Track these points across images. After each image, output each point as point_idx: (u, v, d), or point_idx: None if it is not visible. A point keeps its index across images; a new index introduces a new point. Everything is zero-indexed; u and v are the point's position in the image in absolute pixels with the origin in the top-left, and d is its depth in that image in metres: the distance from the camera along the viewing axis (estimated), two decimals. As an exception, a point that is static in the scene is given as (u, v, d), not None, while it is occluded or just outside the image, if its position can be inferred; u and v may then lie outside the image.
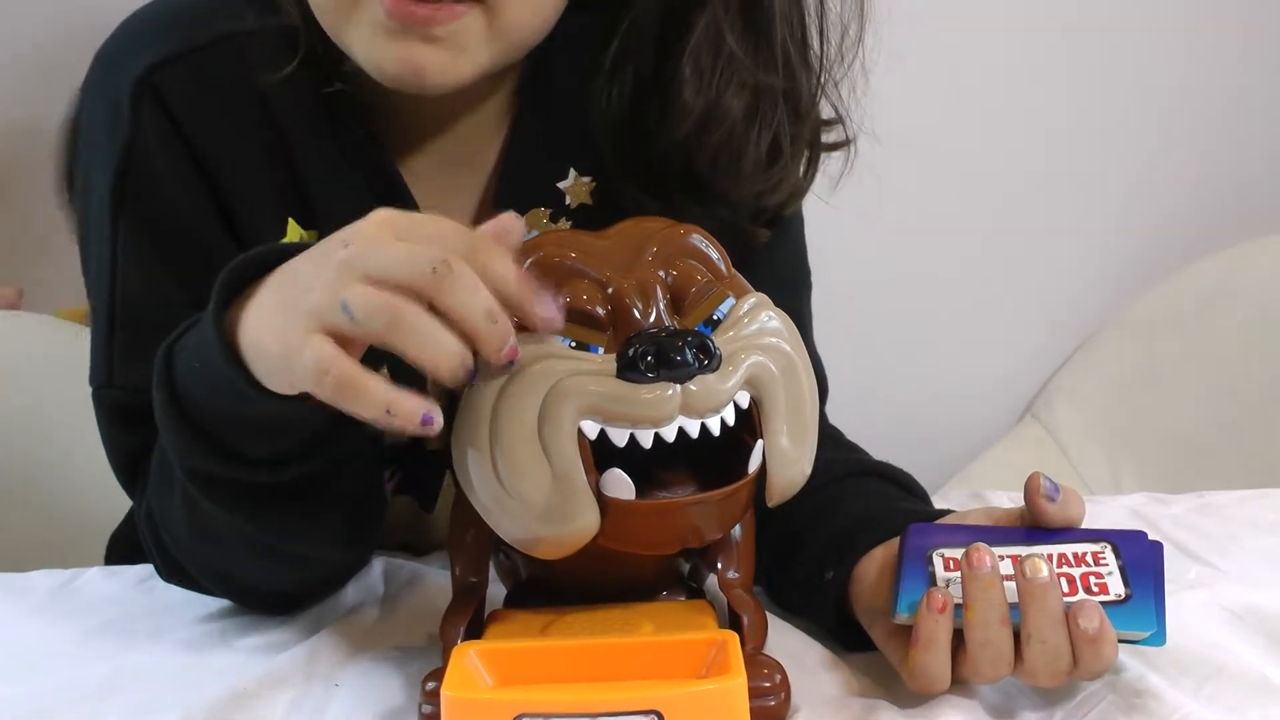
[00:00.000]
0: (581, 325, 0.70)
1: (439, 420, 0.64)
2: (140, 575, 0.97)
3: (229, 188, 0.89)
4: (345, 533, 0.85)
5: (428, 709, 0.72)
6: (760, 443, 0.71)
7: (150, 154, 0.88)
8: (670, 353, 0.67)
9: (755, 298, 0.74)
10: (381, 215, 0.66)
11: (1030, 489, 0.77)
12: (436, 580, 0.94)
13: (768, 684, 0.73)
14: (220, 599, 0.91)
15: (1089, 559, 0.75)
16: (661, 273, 0.72)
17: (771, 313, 0.73)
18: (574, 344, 0.69)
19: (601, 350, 0.69)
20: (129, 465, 0.91)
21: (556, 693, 0.67)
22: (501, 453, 0.67)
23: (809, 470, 0.74)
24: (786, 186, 0.94)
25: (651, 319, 0.70)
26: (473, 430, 0.68)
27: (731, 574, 0.78)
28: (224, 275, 0.71)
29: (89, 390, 0.91)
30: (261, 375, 0.69)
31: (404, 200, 0.91)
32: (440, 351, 0.63)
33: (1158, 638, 0.72)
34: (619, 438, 0.68)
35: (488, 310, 0.63)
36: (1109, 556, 0.75)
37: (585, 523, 0.68)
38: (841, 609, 0.82)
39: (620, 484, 0.68)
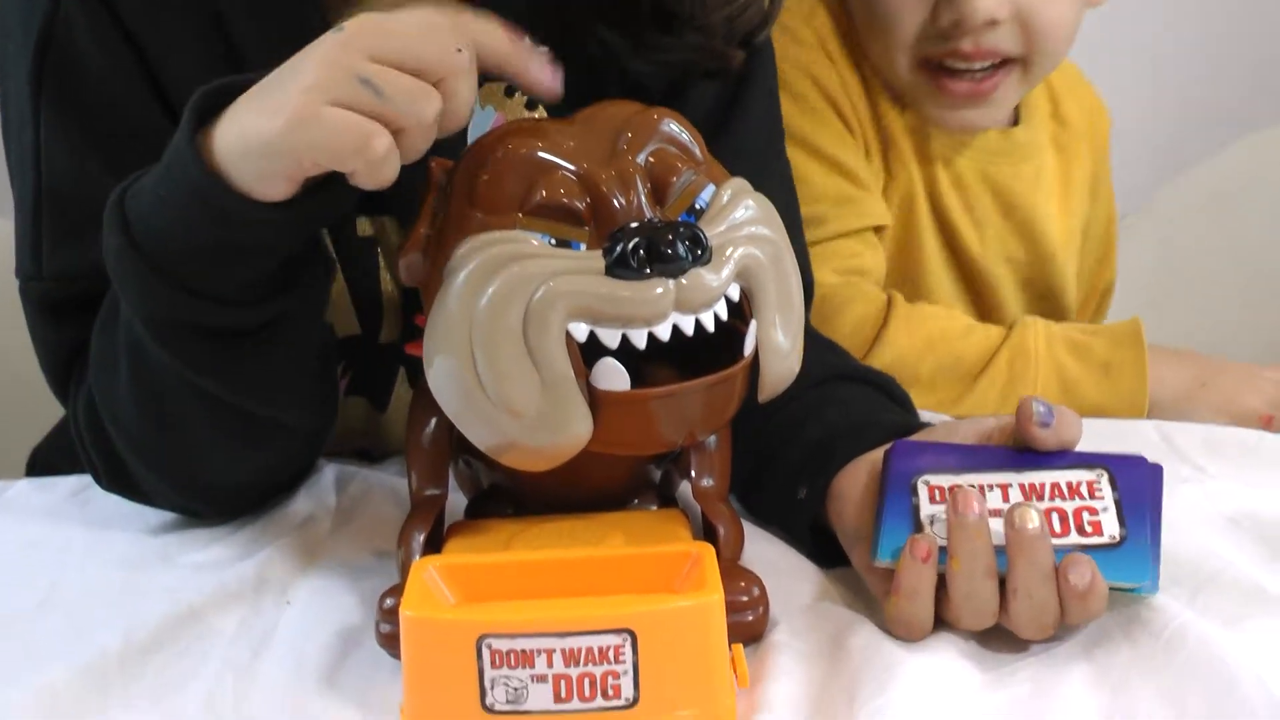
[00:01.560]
0: (560, 221, 0.65)
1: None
2: (74, 487, 0.93)
3: (160, 62, 0.84)
4: (306, 390, 0.81)
5: (385, 628, 0.69)
6: (753, 325, 0.67)
7: (72, 28, 0.82)
8: (662, 246, 0.63)
9: (735, 183, 0.70)
10: (361, 17, 0.66)
11: (1022, 415, 0.73)
12: (393, 489, 0.90)
13: (745, 598, 0.70)
14: (162, 511, 0.87)
15: (1083, 490, 0.71)
16: (639, 160, 0.67)
17: (752, 200, 0.69)
18: (554, 241, 0.65)
19: (584, 246, 0.65)
20: (62, 364, 0.87)
21: (522, 611, 0.63)
22: (485, 359, 0.63)
23: (799, 364, 0.70)
24: (755, 9, 0.90)
25: (633, 211, 0.65)
26: (450, 333, 0.64)
27: (706, 482, 0.75)
28: (197, 97, 0.69)
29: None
30: (250, 178, 0.66)
31: None
32: (431, 138, 0.65)
33: (1151, 587, 0.68)
34: (610, 339, 0.64)
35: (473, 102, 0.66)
36: (1104, 487, 0.71)
37: (578, 430, 0.64)
38: (818, 527, 0.79)
39: (614, 374, 0.64)
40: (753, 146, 0.94)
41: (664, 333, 0.64)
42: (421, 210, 0.69)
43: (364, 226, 0.89)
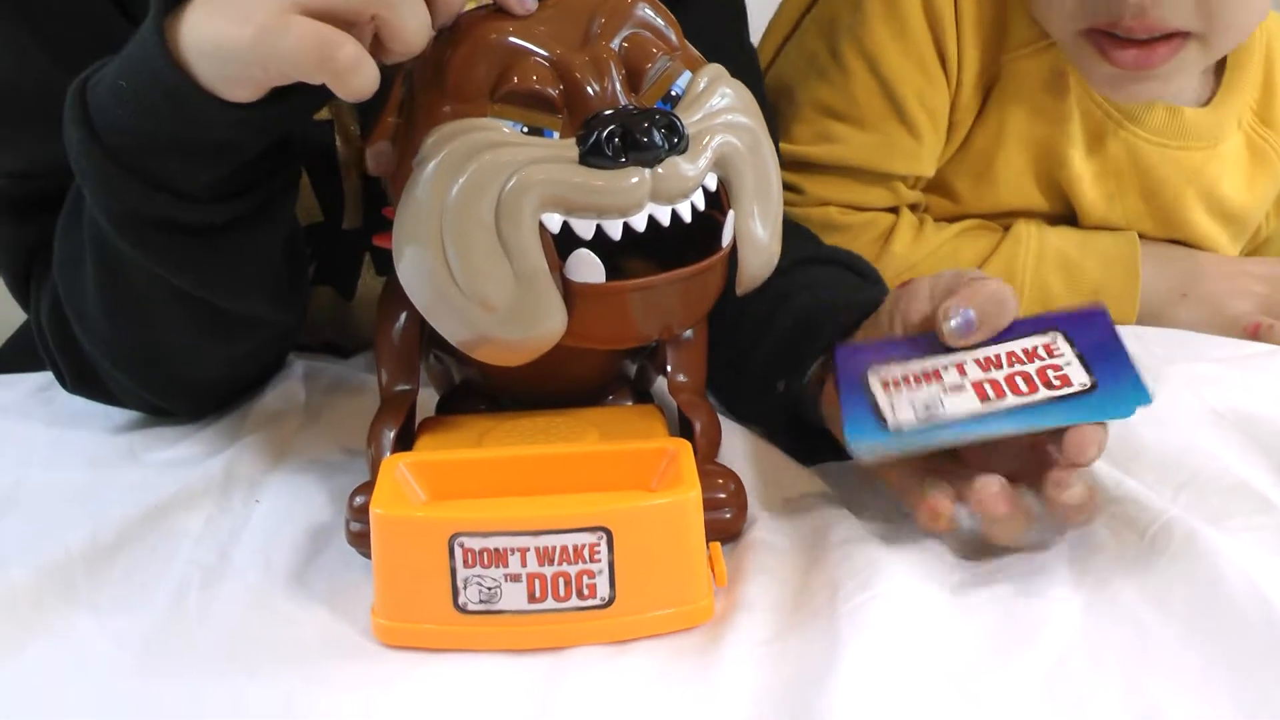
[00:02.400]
0: (532, 108, 0.63)
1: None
2: (39, 383, 0.91)
3: None
4: (274, 285, 0.79)
5: (356, 526, 0.68)
6: (731, 215, 0.65)
7: None
8: (637, 134, 0.61)
9: (712, 70, 0.67)
10: None
11: (941, 331, 0.69)
12: (362, 385, 0.88)
13: (722, 495, 0.69)
14: (128, 410, 0.85)
15: (1041, 352, 0.68)
16: (614, 46, 0.65)
17: (729, 86, 0.67)
18: (526, 129, 0.63)
19: (557, 135, 0.63)
20: (22, 264, 0.85)
21: (495, 508, 0.62)
22: (456, 251, 0.61)
23: (778, 255, 0.68)
24: None
25: (608, 98, 0.63)
26: (420, 225, 0.62)
27: (681, 377, 0.73)
28: None
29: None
30: (215, 80, 0.64)
31: None
32: (419, 23, 0.62)
33: (1145, 399, 0.65)
34: (584, 229, 0.62)
35: None
36: (1061, 345, 0.68)
37: (552, 324, 0.63)
38: (799, 420, 0.77)
39: (589, 266, 0.62)
40: (709, 34, 0.92)
41: (639, 223, 0.62)
42: (389, 97, 0.66)
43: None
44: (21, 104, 0.79)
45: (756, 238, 0.66)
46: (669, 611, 0.61)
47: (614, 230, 0.62)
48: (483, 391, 0.76)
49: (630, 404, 0.76)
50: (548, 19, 0.65)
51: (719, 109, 0.65)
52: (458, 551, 0.60)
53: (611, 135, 0.61)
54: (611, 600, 0.60)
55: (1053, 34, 1.00)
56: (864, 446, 0.66)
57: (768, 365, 0.79)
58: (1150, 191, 1.07)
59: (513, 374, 0.67)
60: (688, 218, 0.63)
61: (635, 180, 0.61)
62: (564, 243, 0.62)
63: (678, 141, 0.62)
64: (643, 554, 0.60)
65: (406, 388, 0.73)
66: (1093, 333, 0.69)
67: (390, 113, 0.66)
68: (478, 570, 0.60)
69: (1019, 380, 0.67)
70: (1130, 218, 1.08)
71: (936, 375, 0.68)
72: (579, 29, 0.65)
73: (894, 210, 1.07)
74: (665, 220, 0.62)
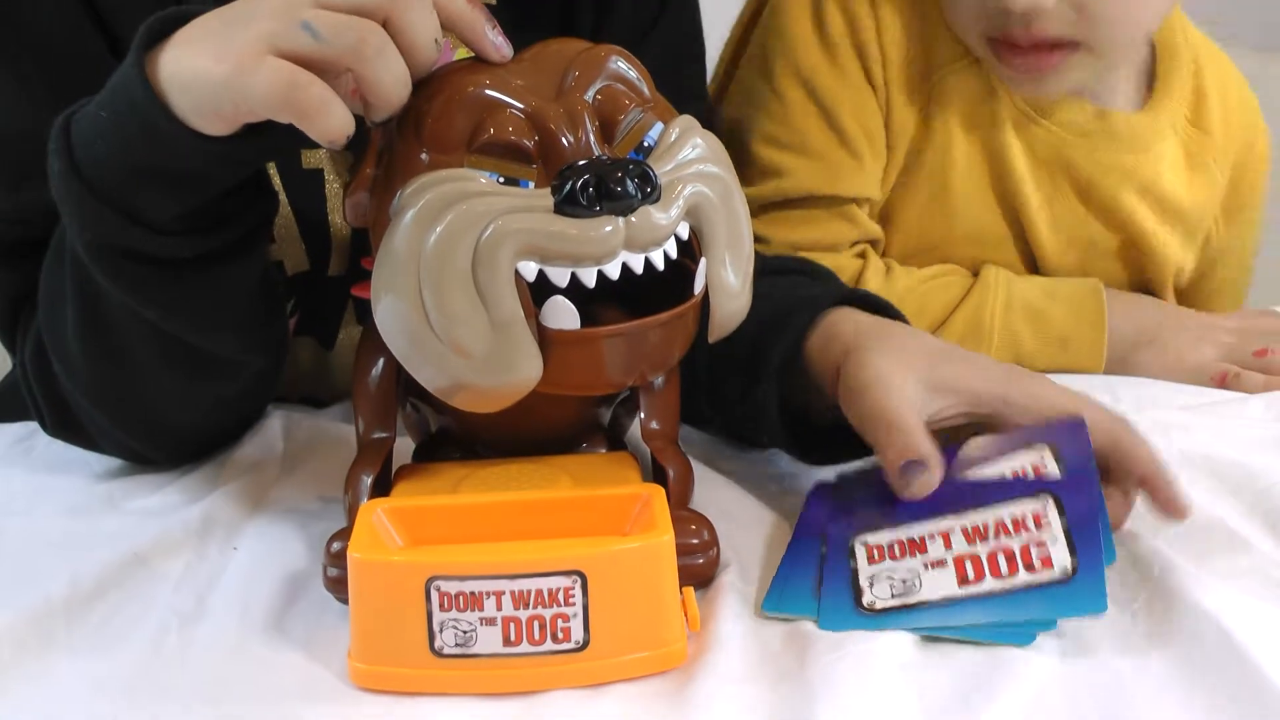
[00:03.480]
0: (508, 159, 0.64)
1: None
2: (18, 434, 0.92)
3: None
4: (248, 325, 0.80)
5: (333, 572, 0.68)
6: (703, 263, 0.67)
7: None
8: (611, 184, 0.62)
9: (683, 121, 0.69)
10: None
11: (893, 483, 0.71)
12: (340, 435, 0.89)
13: (695, 541, 0.70)
14: (107, 458, 0.86)
15: (1029, 523, 0.67)
16: (588, 98, 0.66)
17: (700, 138, 0.68)
18: (501, 179, 0.64)
19: (532, 184, 0.64)
20: (9, 309, 0.85)
21: (471, 553, 0.63)
22: (433, 299, 0.62)
23: (749, 302, 0.70)
24: None
25: (582, 149, 0.65)
26: (397, 273, 0.63)
27: (654, 424, 0.74)
28: (150, 21, 0.67)
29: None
30: (189, 111, 0.65)
31: None
32: (395, 77, 0.64)
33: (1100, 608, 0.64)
34: (559, 277, 0.63)
35: (436, 37, 0.65)
36: (1051, 515, 0.67)
37: (528, 371, 0.64)
38: (789, 417, 0.79)
39: (564, 313, 0.64)
40: (668, 56, 0.94)
41: (613, 271, 0.63)
42: (367, 150, 0.68)
43: (310, 158, 0.88)
44: (17, 150, 0.79)
45: (728, 285, 0.68)
46: (642, 655, 0.62)
47: (588, 278, 0.63)
48: (459, 440, 0.76)
49: (604, 451, 0.77)
50: (523, 71, 0.67)
51: (690, 159, 0.67)
52: (434, 595, 0.61)
53: (586, 185, 0.62)
54: (586, 644, 0.61)
55: (964, 40, 1.06)
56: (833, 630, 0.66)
57: (743, 372, 0.80)
58: (1083, 191, 1.11)
59: (488, 421, 0.68)
60: (661, 265, 0.64)
61: (609, 229, 0.62)
62: (539, 290, 0.63)
63: (650, 191, 0.63)
64: (616, 598, 0.61)
65: (384, 435, 0.73)
66: (1081, 501, 0.67)
67: (368, 164, 0.67)
68: (454, 614, 0.61)
69: (1001, 558, 0.66)
70: (1074, 222, 1.11)
71: (921, 546, 0.68)
72: (553, 81, 0.67)
73: (863, 252, 1.09)
74: (639, 268, 0.64)
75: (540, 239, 0.62)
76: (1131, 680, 0.61)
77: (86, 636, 0.67)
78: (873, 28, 1.07)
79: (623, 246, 0.63)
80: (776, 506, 0.79)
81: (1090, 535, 0.66)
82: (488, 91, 0.65)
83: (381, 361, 0.72)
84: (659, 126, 0.68)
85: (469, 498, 0.68)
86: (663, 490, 0.67)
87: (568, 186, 0.62)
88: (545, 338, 0.64)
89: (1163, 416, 0.89)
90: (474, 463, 0.73)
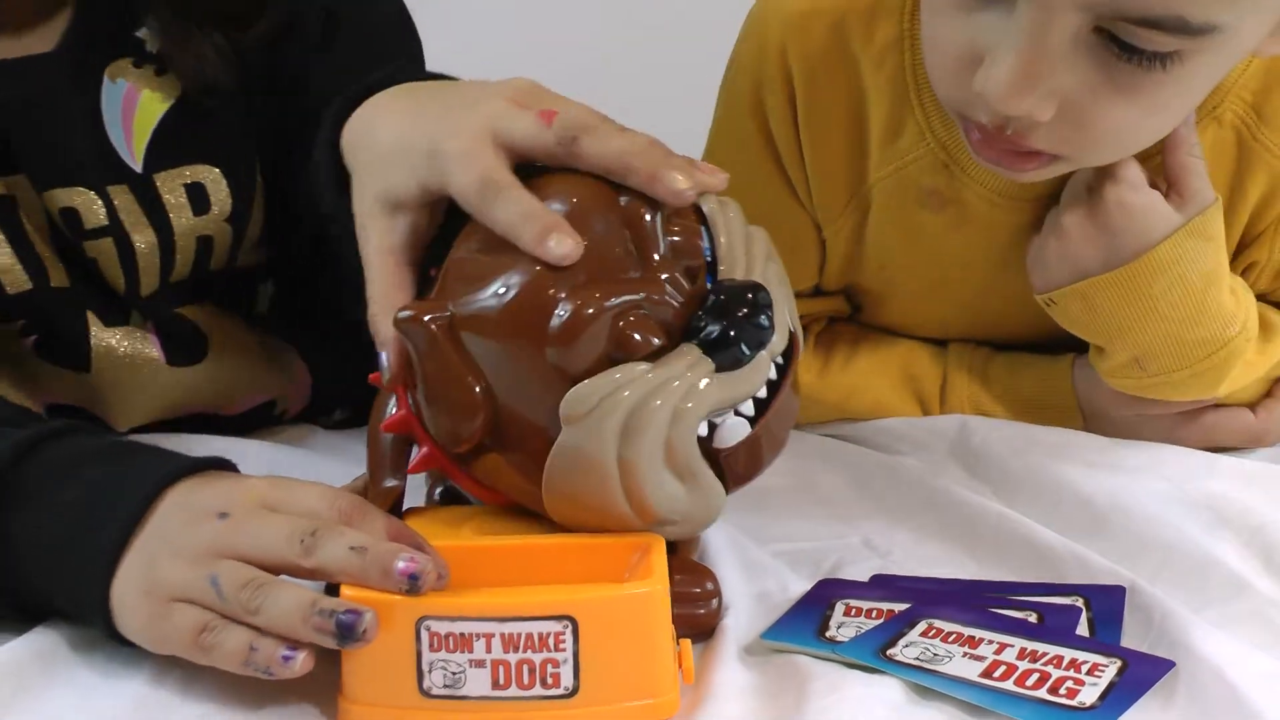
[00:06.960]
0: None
1: (300, 662, 0.62)
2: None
3: None
4: None
5: (329, 610, 0.68)
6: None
7: None
8: (755, 328, 0.64)
9: (715, 203, 0.70)
10: (261, 485, 0.68)
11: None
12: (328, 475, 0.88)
13: (697, 590, 0.70)
14: None
15: (1084, 669, 0.65)
16: (662, 245, 0.67)
17: (733, 209, 0.70)
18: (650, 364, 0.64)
19: (660, 341, 0.64)
20: None
21: (463, 594, 0.63)
22: (637, 488, 0.65)
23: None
24: None
25: (684, 295, 0.66)
26: (590, 477, 0.64)
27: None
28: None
29: None
30: (124, 629, 0.66)
31: None
32: (295, 616, 0.62)
33: None
34: (723, 417, 0.66)
35: (353, 548, 0.63)
36: (1109, 672, 0.65)
37: (719, 505, 0.67)
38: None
39: (739, 429, 0.66)
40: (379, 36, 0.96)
41: (763, 393, 0.66)
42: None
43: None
44: None
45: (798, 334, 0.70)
46: (633, 704, 0.61)
47: (747, 408, 0.66)
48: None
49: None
50: (592, 253, 0.65)
51: (756, 254, 0.69)
52: (424, 635, 0.61)
53: (737, 339, 0.64)
54: (575, 690, 0.61)
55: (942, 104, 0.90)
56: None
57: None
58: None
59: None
60: (781, 363, 0.67)
61: (763, 365, 0.65)
62: None
63: (770, 310, 0.65)
64: (608, 645, 0.61)
65: (394, 483, 0.73)
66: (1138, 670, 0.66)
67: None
68: (443, 655, 0.61)
69: (1034, 677, 0.65)
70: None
71: (974, 642, 0.68)
72: (615, 249, 0.66)
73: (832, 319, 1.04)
74: (775, 375, 0.66)
75: (718, 404, 0.64)
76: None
77: (87, 674, 0.67)
78: (799, 165, 0.97)
79: None
80: (782, 551, 0.80)
81: (1123, 702, 0.63)
82: (603, 308, 0.64)
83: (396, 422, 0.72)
84: (702, 231, 0.68)
85: (467, 540, 0.68)
86: (662, 540, 0.66)
87: (716, 339, 0.64)
88: (715, 459, 0.66)
89: (1157, 454, 0.88)
90: (481, 506, 0.73)
